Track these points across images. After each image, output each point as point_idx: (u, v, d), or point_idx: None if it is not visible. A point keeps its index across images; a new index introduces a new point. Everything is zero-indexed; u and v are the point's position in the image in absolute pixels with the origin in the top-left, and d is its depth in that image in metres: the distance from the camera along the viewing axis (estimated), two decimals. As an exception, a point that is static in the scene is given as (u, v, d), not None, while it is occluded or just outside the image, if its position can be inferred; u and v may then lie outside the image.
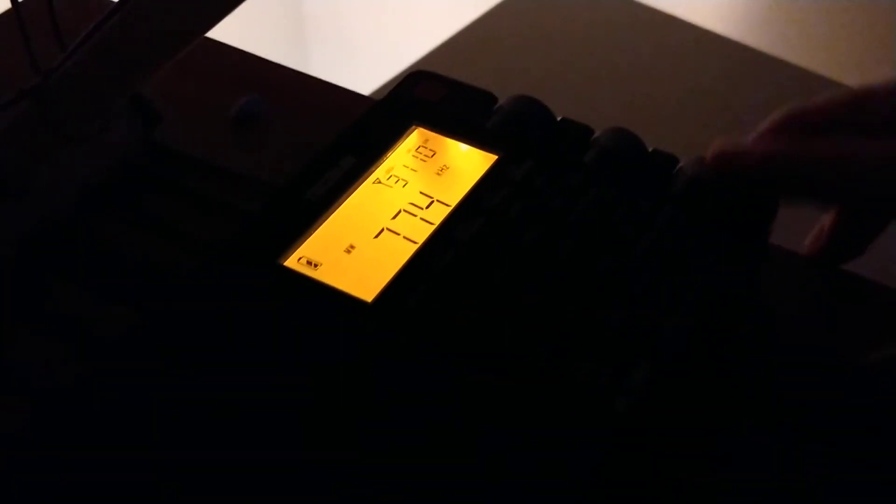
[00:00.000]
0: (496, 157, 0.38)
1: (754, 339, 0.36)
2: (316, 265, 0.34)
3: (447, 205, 0.37)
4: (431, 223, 0.36)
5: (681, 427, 0.32)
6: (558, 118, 0.41)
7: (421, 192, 0.37)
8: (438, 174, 0.38)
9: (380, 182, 0.38)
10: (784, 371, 0.35)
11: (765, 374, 0.35)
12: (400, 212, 0.36)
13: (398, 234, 0.35)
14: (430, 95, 0.41)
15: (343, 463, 0.29)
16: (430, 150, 0.39)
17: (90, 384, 0.32)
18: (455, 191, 0.37)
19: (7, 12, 0.48)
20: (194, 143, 0.44)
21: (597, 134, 0.40)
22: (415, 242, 0.35)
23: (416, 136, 0.39)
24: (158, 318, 0.33)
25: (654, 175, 0.38)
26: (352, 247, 0.35)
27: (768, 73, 1.66)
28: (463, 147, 0.39)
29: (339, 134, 0.39)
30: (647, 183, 0.38)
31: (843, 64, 1.69)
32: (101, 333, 0.34)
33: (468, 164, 0.38)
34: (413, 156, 0.39)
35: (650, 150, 0.39)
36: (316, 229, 0.35)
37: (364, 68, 1.67)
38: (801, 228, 0.41)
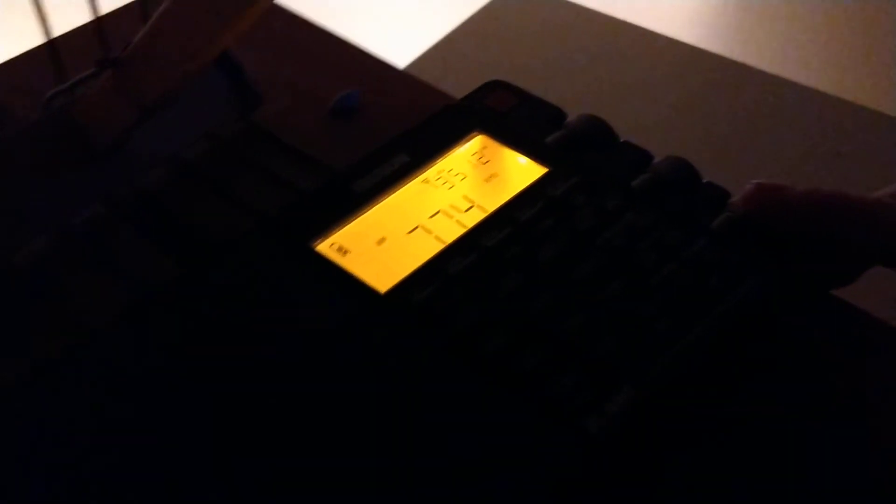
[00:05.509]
0: (545, 170, 0.39)
1: (772, 381, 0.35)
2: (345, 252, 0.36)
3: (485, 210, 0.38)
4: (465, 226, 0.37)
5: (658, 452, 0.32)
6: (621, 139, 0.41)
7: (464, 196, 0.38)
8: (486, 181, 0.39)
9: (428, 182, 0.39)
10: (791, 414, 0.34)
11: (769, 414, 0.34)
12: (438, 212, 0.38)
13: (430, 233, 0.37)
14: (499, 105, 0.42)
15: (323, 442, 0.31)
16: (486, 157, 0.40)
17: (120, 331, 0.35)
18: (496, 198, 0.38)
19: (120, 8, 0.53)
20: (289, 129, 0.47)
21: (656, 160, 0.40)
22: (443, 242, 0.36)
23: (475, 143, 0.41)
24: (192, 278, 0.36)
25: (702, 207, 0.38)
26: (383, 239, 0.37)
27: (743, 83, 1.62)
28: (518, 158, 0.40)
29: (400, 133, 0.41)
30: (692, 214, 0.37)
31: (819, 71, 1.62)
32: (145, 277, 0.38)
33: (518, 174, 0.39)
34: (467, 161, 0.40)
35: (705, 181, 0.39)
36: (354, 219, 0.37)
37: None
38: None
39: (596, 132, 0.41)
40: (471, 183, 0.39)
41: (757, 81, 1.62)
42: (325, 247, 0.36)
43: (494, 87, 0.43)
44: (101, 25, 0.41)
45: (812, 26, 1.74)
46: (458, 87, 0.44)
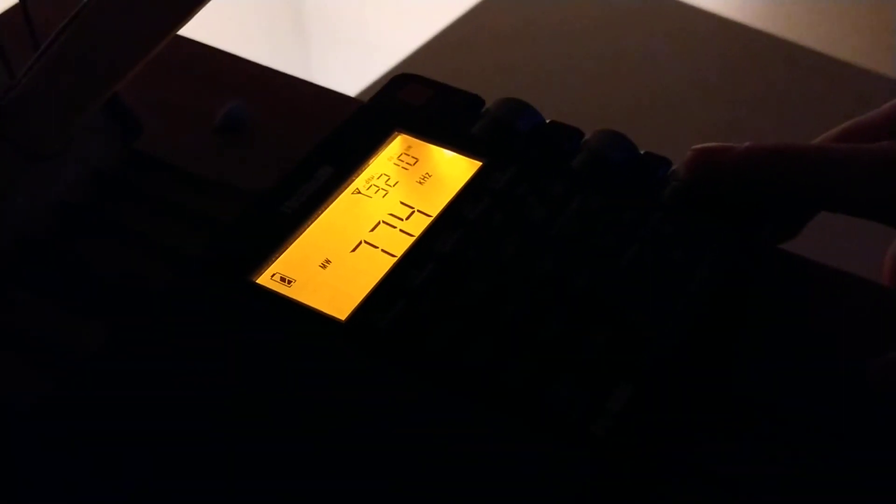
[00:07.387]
0: (480, 163, 0.37)
1: (755, 348, 0.34)
2: (290, 282, 0.33)
3: (428, 215, 0.35)
4: (411, 235, 0.34)
5: (670, 447, 0.30)
6: (548, 120, 0.39)
7: (402, 202, 0.36)
8: (420, 182, 0.37)
9: (359, 192, 0.36)
10: (787, 381, 0.34)
11: (766, 386, 0.33)
12: (379, 223, 0.35)
13: (376, 248, 0.34)
14: (414, 99, 0.40)
15: (312, 487, 0.28)
16: (413, 157, 0.38)
17: (55, 404, 0.31)
18: (437, 200, 0.36)
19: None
20: (177, 153, 0.43)
21: (587, 136, 0.38)
22: (393, 256, 0.34)
23: (398, 143, 0.38)
24: (127, 338, 0.32)
25: (646, 179, 0.37)
26: (328, 261, 0.34)
27: (776, 59, 1.57)
28: (446, 153, 0.38)
29: (319, 142, 0.38)
30: (638, 188, 0.36)
31: (856, 45, 1.62)
32: (71, 349, 0.33)
33: (451, 171, 0.37)
34: (394, 164, 0.37)
35: (643, 152, 0.38)
36: (291, 244, 0.34)
37: (363, 60, 1.61)
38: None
39: (520, 115, 0.39)
40: (405, 187, 0.36)
41: (783, 52, 1.56)
42: (266, 279, 0.33)
43: (405, 81, 0.41)
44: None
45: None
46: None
